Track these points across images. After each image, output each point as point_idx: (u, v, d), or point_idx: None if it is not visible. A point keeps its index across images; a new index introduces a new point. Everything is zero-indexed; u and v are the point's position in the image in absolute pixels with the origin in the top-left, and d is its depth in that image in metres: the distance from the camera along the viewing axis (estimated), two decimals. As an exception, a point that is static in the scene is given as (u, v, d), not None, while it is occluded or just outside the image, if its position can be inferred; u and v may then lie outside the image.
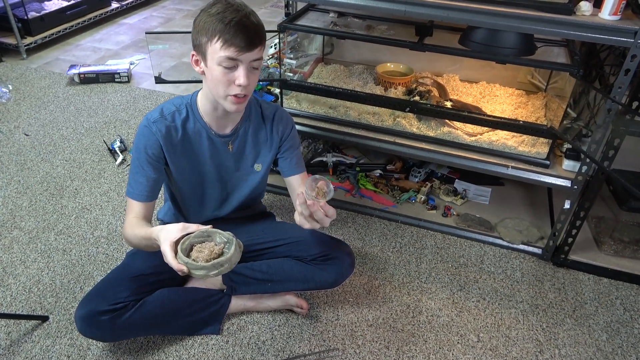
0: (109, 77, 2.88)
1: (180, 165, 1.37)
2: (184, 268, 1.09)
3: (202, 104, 1.32)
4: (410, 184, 2.09)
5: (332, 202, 2.07)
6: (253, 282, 1.50)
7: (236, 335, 1.48)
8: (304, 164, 1.51)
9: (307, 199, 1.11)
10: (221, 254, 1.13)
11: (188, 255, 1.12)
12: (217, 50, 1.14)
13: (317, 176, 1.13)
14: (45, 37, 3.30)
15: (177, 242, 1.13)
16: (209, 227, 1.17)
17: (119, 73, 2.87)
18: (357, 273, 1.71)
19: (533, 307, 1.61)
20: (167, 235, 1.14)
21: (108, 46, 3.47)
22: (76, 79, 2.86)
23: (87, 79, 2.86)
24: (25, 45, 3.15)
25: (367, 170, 2.14)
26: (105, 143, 2.35)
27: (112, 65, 2.98)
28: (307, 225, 1.15)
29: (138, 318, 1.34)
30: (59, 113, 2.60)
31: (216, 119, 1.33)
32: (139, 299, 1.36)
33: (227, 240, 1.16)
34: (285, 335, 1.49)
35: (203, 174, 1.42)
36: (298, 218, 1.20)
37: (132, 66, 3.08)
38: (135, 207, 1.33)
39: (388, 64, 2.15)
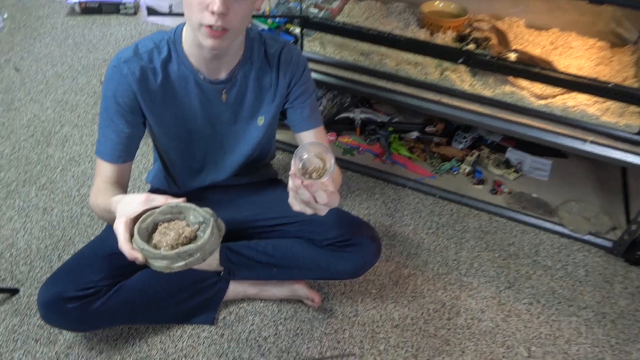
0: (113, 8, 2.54)
1: (162, 118, 1.07)
2: (139, 256, 0.82)
3: (186, 39, 1.00)
4: (453, 150, 1.74)
5: (358, 168, 1.79)
6: (256, 266, 1.23)
7: (233, 328, 1.24)
8: (319, 115, 1.19)
9: (294, 172, 0.79)
10: (194, 239, 0.85)
11: (150, 238, 0.85)
12: None
13: (310, 143, 0.82)
14: (49, -40, 2.94)
15: (137, 219, 0.86)
16: (180, 200, 0.88)
17: (124, 3, 2.53)
18: (384, 258, 1.43)
19: (599, 316, 1.31)
20: (124, 208, 0.87)
21: (118, -27, 3.10)
22: (77, 9, 2.53)
23: (89, 9, 2.53)
24: (25, -32, 2.81)
25: (402, 131, 1.81)
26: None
27: (119, -6, 2.63)
28: (296, 206, 0.84)
29: (112, 306, 1.10)
30: (55, 47, 2.30)
31: (204, 60, 1.01)
32: (115, 282, 1.11)
33: (203, 220, 0.87)
34: (292, 331, 1.24)
35: (191, 130, 1.12)
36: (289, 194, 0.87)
37: (141, -4, 2.73)
38: (104, 170, 1.05)
39: (436, 3, 1.75)
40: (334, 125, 1.82)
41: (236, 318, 1.26)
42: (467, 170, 1.67)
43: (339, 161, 1.76)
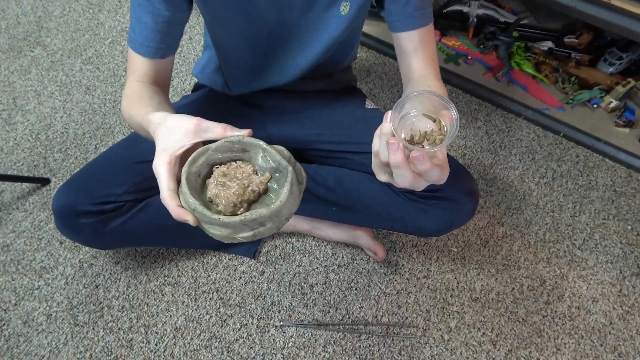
0: None
1: (213, 0, 0.77)
2: (189, 219, 0.58)
3: None
4: (598, 74, 1.29)
5: (461, 83, 1.38)
6: (311, 199, 0.98)
7: (276, 266, 1.04)
8: (430, 8, 0.82)
9: (390, 133, 0.51)
10: (264, 193, 0.59)
11: (203, 186, 0.60)
12: None
13: (420, 92, 0.51)
14: None
15: (185, 156, 0.61)
16: (245, 132, 0.60)
17: None
18: (474, 209, 1.12)
19: None
20: (166, 138, 0.60)
21: None
22: None
23: None
24: None
25: (531, 38, 1.36)
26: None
27: None
28: (382, 176, 0.57)
29: (135, 227, 0.91)
30: None
31: None
32: (140, 198, 0.91)
33: (277, 166, 0.60)
34: (345, 283, 1.01)
35: (252, 17, 0.80)
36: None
37: None
38: (138, 65, 0.79)
39: None
40: (439, 20, 1.40)
41: (281, 255, 1.05)
42: (612, 105, 1.24)
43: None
